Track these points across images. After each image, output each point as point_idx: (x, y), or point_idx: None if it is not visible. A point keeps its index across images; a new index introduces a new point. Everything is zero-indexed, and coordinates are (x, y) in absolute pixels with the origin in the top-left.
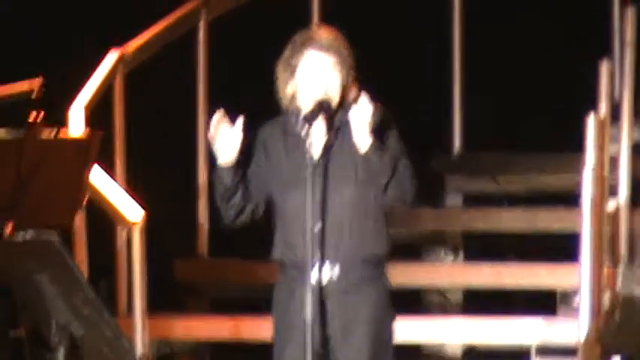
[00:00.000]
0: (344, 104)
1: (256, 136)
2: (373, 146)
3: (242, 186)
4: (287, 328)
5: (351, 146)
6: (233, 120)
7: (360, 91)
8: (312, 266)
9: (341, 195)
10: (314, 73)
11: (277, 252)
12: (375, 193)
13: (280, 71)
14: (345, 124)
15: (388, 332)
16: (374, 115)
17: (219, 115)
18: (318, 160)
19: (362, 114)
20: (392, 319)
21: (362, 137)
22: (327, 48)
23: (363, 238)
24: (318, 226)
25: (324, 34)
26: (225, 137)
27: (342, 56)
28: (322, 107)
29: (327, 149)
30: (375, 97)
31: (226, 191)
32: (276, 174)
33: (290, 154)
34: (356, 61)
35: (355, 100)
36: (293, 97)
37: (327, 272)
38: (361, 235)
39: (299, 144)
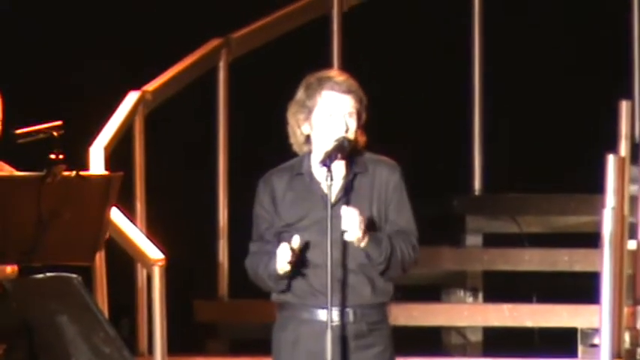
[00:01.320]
0: (358, 147)
1: (262, 185)
2: (369, 244)
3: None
4: None
5: (360, 194)
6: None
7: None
8: (319, 309)
9: (349, 241)
10: (333, 114)
11: (282, 295)
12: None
13: (293, 114)
14: (362, 170)
15: None
16: (361, 222)
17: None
18: (335, 204)
19: (349, 225)
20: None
21: (355, 239)
22: (346, 89)
23: (367, 286)
24: (339, 271)
25: (340, 76)
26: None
27: (359, 99)
28: (342, 146)
29: (345, 194)
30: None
31: (284, 287)
32: (285, 218)
33: (301, 200)
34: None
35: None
36: (307, 139)
37: (337, 316)
38: (366, 283)
39: (312, 188)
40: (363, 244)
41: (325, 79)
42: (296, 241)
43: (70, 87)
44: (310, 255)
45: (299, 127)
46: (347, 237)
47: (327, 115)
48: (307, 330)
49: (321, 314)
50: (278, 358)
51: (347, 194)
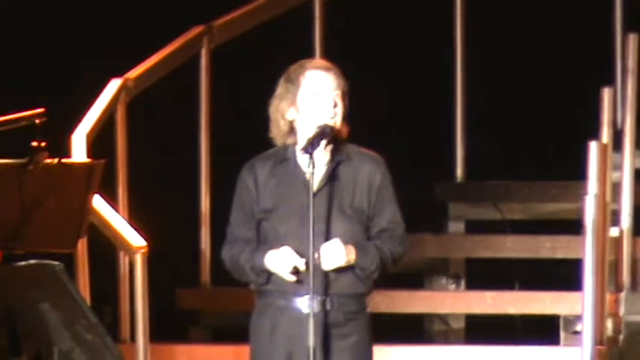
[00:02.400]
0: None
1: (245, 172)
2: (358, 258)
3: None
4: (269, 358)
5: (343, 184)
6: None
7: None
8: (296, 296)
9: (329, 231)
10: (320, 93)
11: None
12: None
13: (275, 106)
14: (347, 159)
15: None
16: (344, 252)
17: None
18: (317, 191)
19: (331, 261)
20: (371, 352)
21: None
22: (327, 69)
23: (348, 277)
24: (309, 259)
25: (320, 60)
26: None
27: (342, 82)
28: (325, 132)
29: (328, 182)
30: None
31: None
32: (267, 209)
33: (283, 187)
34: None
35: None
36: (291, 130)
37: (317, 305)
38: (346, 273)
39: (296, 174)
40: (352, 262)
41: (307, 61)
42: (302, 264)
43: (51, 74)
44: (290, 243)
45: (283, 116)
46: (323, 266)
47: (314, 95)
48: (285, 317)
49: (299, 302)
50: (256, 345)
51: (330, 182)
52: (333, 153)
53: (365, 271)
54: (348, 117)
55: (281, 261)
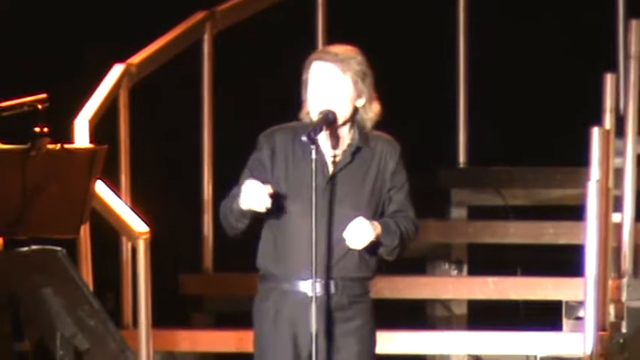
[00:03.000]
0: (360, 122)
1: (264, 139)
2: (382, 234)
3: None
4: (273, 342)
5: (359, 167)
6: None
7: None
8: (301, 280)
9: (345, 214)
10: (317, 83)
11: (263, 262)
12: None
13: (302, 90)
14: (363, 144)
15: (373, 345)
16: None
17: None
18: (328, 178)
19: (358, 238)
20: (375, 335)
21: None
22: (331, 58)
23: (352, 261)
24: (317, 242)
25: (333, 47)
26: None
27: (349, 67)
28: (327, 119)
29: (339, 169)
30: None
31: (244, 228)
32: (279, 184)
33: (298, 165)
34: (374, 78)
35: (378, 115)
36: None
37: (320, 288)
38: (351, 257)
39: (308, 157)
40: (379, 237)
41: (319, 50)
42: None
43: (54, 60)
44: (298, 224)
45: (304, 102)
46: (351, 245)
47: (314, 84)
48: (289, 301)
49: (303, 285)
50: (260, 330)
51: (345, 167)
52: (352, 137)
53: (387, 248)
54: (370, 101)
55: (247, 194)
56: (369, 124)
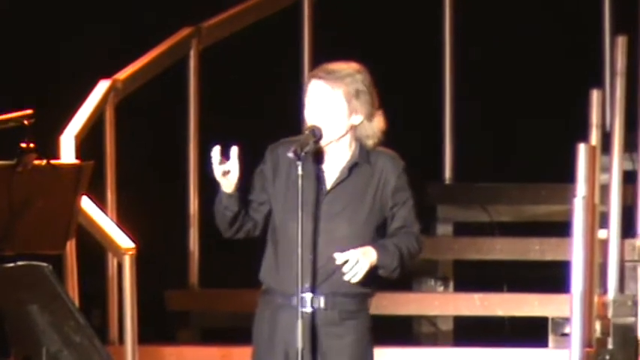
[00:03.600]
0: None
1: (268, 152)
2: (379, 257)
3: (243, 208)
4: (268, 355)
5: (357, 184)
6: (227, 147)
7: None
8: (300, 295)
9: (340, 230)
10: (310, 101)
11: (266, 276)
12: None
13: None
14: (362, 160)
15: None
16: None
17: (215, 153)
18: (325, 194)
19: (356, 275)
20: (371, 352)
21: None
22: (324, 76)
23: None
24: (309, 258)
25: (332, 65)
26: (224, 170)
27: (341, 84)
28: (313, 134)
29: (336, 184)
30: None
31: (232, 217)
32: (279, 198)
33: (297, 180)
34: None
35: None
36: None
37: (314, 302)
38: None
39: (313, 169)
40: (374, 263)
41: (317, 68)
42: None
43: (40, 75)
44: (294, 238)
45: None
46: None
47: (308, 102)
48: (284, 316)
49: (296, 300)
50: (256, 343)
51: (343, 182)
52: (353, 153)
53: (386, 269)
54: (370, 118)
55: (213, 163)
56: (370, 142)
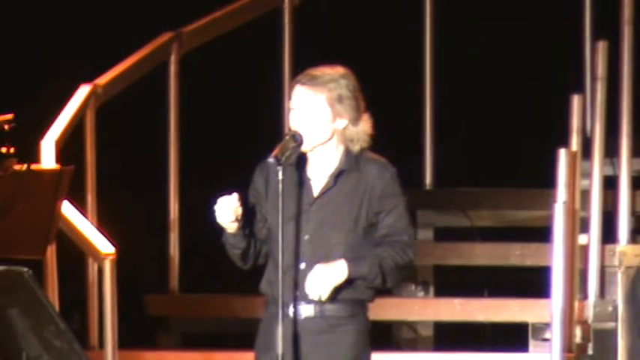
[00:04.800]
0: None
1: (257, 170)
2: (352, 270)
3: (252, 240)
4: None
5: (344, 192)
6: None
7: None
8: (288, 304)
9: (328, 239)
10: (294, 107)
11: (262, 285)
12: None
13: None
14: (350, 167)
15: None
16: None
17: (234, 200)
18: (311, 202)
19: (317, 291)
20: (367, 358)
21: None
22: (307, 81)
23: (346, 283)
24: (300, 266)
25: (315, 70)
26: (230, 214)
27: (323, 89)
28: (293, 140)
29: (322, 193)
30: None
31: (242, 253)
32: (272, 210)
33: (288, 191)
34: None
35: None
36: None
37: (303, 311)
38: (347, 280)
39: (299, 181)
40: (346, 275)
41: (301, 74)
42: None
43: (21, 81)
44: (285, 247)
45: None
46: (312, 296)
47: (292, 108)
48: (276, 324)
49: (287, 309)
50: (256, 351)
51: (330, 190)
52: (340, 160)
53: (366, 280)
54: (355, 122)
55: (218, 212)
56: (356, 147)
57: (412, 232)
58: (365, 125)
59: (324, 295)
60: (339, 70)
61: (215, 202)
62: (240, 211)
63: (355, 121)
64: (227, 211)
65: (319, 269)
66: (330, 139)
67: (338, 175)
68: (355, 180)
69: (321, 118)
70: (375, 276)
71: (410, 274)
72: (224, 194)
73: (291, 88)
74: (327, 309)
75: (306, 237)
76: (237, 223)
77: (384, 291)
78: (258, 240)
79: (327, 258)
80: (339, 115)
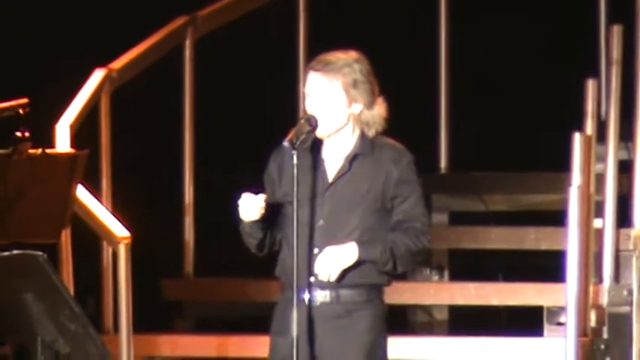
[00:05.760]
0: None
1: (273, 154)
2: (363, 252)
3: (268, 230)
4: (280, 348)
5: (359, 177)
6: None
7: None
8: (304, 289)
9: (343, 223)
10: (309, 94)
11: (277, 270)
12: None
13: None
14: (365, 151)
15: (377, 354)
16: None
17: (260, 200)
18: (327, 186)
19: (330, 271)
20: (384, 343)
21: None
22: (320, 67)
23: (356, 268)
24: (314, 250)
25: (327, 55)
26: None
27: (337, 74)
28: (309, 124)
29: (338, 177)
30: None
31: (258, 244)
32: (287, 189)
33: (304, 172)
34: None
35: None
36: None
37: (319, 296)
38: (354, 265)
39: (316, 163)
40: (355, 258)
41: (314, 60)
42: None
43: (36, 65)
44: (300, 232)
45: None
46: (321, 277)
47: (307, 95)
48: (291, 309)
49: (303, 294)
50: (272, 336)
51: (345, 174)
52: (355, 145)
53: (377, 264)
54: (370, 106)
55: (241, 206)
56: (372, 130)
57: (427, 220)
58: (380, 109)
59: (333, 276)
60: (352, 55)
61: (239, 197)
62: (263, 210)
63: (370, 105)
64: (252, 209)
65: (329, 250)
66: (346, 125)
67: (353, 159)
68: (371, 164)
69: (337, 104)
70: (386, 261)
71: (424, 260)
72: (249, 191)
73: (305, 75)
74: (343, 294)
75: (321, 222)
76: (258, 219)
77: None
78: (274, 227)
79: (342, 243)
80: (354, 100)
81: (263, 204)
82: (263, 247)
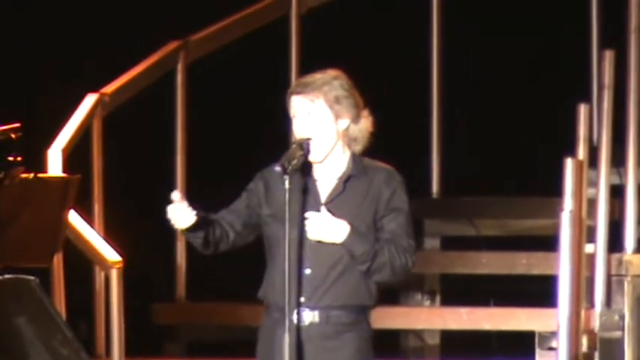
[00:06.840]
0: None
1: (259, 174)
2: (349, 237)
3: (210, 228)
4: None
5: (353, 198)
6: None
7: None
8: (292, 310)
9: (334, 245)
10: (296, 117)
11: (262, 291)
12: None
13: None
14: (358, 173)
15: None
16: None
17: (181, 204)
18: (326, 203)
19: (317, 231)
20: None
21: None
22: (302, 90)
23: (346, 288)
24: (305, 272)
25: (307, 77)
26: (188, 216)
27: (320, 94)
28: (301, 147)
29: (332, 198)
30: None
31: (202, 243)
32: (273, 210)
33: (294, 192)
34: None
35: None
36: None
37: (307, 317)
38: (345, 285)
39: (304, 186)
40: (342, 239)
41: (294, 83)
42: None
43: (28, 89)
44: (290, 251)
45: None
46: (310, 236)
47: (294, 119)
48: (279, 331)
49: (291, 315)
50: (259, 356)
51: (339, 195)
52: (348, 166)
53: (354, 255)
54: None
55: (173, 220)
56: (358, 147)
57: (413, 243)
58: (366, 122)
59: (316, 237)
60: (330, 73)
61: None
62: (194, 215)
63: (356, 118)
64: (182, 216)
65: (326, 215)
66: (336, 144)
67: (347, 180)
68: (365, 187)
69: (323, 122)
70: (365, 260)
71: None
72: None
73: (287, 99)
74: (333, 315)
75: (313, 241)
76: (194, 221)
77: (390, 300)
78: (224, 229)
79: (335, 264)
80: (339, 116)
81: (189, 208)
82: (208, 245)
